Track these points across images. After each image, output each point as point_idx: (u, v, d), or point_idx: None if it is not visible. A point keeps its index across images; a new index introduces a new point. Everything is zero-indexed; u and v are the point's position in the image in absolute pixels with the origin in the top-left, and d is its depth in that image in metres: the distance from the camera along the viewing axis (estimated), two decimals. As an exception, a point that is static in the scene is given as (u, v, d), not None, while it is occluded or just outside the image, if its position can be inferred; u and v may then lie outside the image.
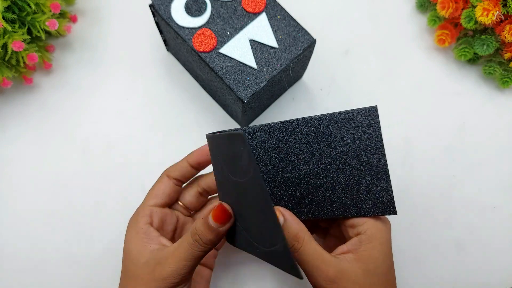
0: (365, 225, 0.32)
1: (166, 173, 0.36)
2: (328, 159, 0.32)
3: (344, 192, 0.32)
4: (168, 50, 0.50)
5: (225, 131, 0.34)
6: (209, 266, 0.39)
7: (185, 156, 0.37)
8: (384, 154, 0.31)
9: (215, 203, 0.32)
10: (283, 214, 0.31)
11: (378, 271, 0.31)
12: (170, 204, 0.37)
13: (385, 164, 0.31)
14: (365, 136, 0.32)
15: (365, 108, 0.32)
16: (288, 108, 0.49)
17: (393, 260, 0.33)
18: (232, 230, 0.33)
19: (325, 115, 0.32)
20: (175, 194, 0.37)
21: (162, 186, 0.36)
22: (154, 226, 0.35)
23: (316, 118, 0.32)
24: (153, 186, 0.36)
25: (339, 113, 0.32)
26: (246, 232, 0.31)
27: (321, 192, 0.32)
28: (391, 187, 0.32)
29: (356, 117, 0.32)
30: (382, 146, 0.31)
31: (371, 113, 0.32)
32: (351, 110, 0.32)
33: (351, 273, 0.30)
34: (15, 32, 0.42)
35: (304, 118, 0.32)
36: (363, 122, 0.32)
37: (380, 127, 0.31)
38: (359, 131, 0.32)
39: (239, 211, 0.31)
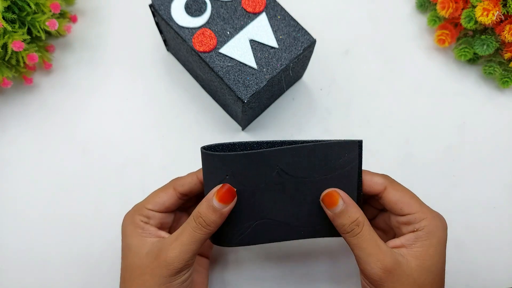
0: (423, 222, 0.32)
1: (174, 185, 0.36)
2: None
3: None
4: (168, 50, 0.50)
5: (218, 146, 0.34)
6: (206, 255, 0.40)
7: (196, 171, 0.36)
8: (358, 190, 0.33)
9: (218, 186, 0.32)
10: (343, 198, 0.32)
11: (432, 269, 0.31)
12: (169, 212, 0.37)
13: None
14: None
15: (350, 141, 0.33)
16: (288, 108, 0.49)
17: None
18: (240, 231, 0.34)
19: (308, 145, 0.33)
20: (176, 206, 0.37)
21: (166, 197, 0.35)
22: (157, 227, 0.35)
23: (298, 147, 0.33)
24: (157, 192, 0.36)
25: (322, 144, 0.33)
26: (286, 223, 0.34)
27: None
28: None
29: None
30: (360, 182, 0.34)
31: (354, 147, 0.33)
32: (335, 141, 0.33)
33: (406, 267, 0.30)
34: (15, 32, 0.42)
35: (284, 148, 0.33)
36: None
37: (361, 162, 0.33)
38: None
39: (272, 210, 0.34)
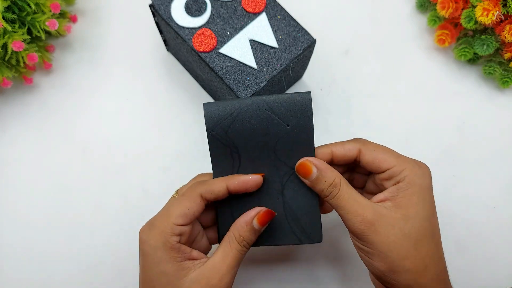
0: (402, 173, 0.32)
1: (201, 193, 0.32)
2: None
3: None
4: (168, 50, 0.50)
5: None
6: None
7: (224, 179, 0.33)
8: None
9: (256, 209, 0.33)
10: (316, 165, 0.33)
11: (419, 216, 0.31)
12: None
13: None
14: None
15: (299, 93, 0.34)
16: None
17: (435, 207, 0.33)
18: None
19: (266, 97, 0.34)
20: (200, 213, 0.34)
21: (195, 207, 0.32)
22: (183, 243, 0.32)
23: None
24: (181, 201, 0.32)
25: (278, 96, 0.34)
26: (296, 221, 0.35)
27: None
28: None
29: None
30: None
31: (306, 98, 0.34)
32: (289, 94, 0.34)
33: (390, 217, 0.31)
34: (15, 32, 0.42)
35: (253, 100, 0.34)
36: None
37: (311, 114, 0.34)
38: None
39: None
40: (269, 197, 0.35)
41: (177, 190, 0.36)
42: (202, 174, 0.37)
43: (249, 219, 0.32)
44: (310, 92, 0.33)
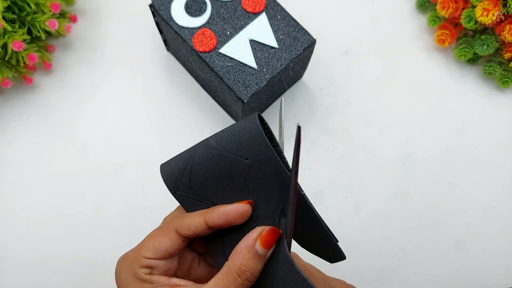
0: None
1: (176, 228, 0.28)
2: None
3: None
4: (168, 50, 0.50)
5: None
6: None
7: (202, 212, 0.28)
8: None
9: (257, 229, 0.27)
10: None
11: None
12: (173, 257, 0.30)
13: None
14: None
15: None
16: (288, 108, 0.49)
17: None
18: None
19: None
20: (181, 249, 0.29)
21: (168, 243, 0.28)
22: (163, 274, 0.29)
23: None
24: (155, 235, 0.29)
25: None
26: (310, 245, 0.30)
27: None
28: None
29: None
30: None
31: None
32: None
33: None
34: (15, 32, 0.42)
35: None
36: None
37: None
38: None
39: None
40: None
41: (165, 218, 0.32)
42: (171, 213, 0.32)
43: (251, 243, 0.26)
44: (256, 114, 0.27)
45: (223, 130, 0.28)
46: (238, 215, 0.27)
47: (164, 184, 0.30)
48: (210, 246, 0.29)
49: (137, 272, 0.28)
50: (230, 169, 0.28)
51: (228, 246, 0.28)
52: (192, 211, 0.29)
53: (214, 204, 0.29)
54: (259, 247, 0.26)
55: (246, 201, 0.28)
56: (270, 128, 0.28)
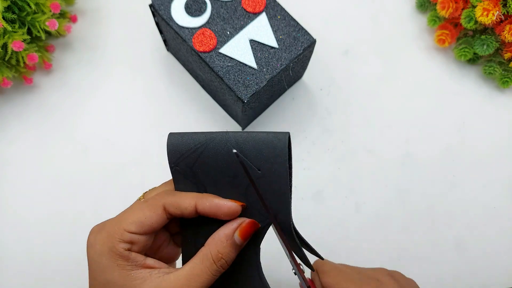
0: None
1: (165, 205, 0.28)
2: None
3: None
4: (168, 50, 0.50)
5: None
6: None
7: (195, 196, 0.28)
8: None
9: (238, 220, 0.27)
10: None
11: None
12: (154, 233, 0.29)
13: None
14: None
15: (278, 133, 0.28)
16: (288, 108, 0.49)
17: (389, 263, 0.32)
18: None
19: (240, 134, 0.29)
20: (162, 226, 0.29)
21: (154, 218, 0.27)
22: (136, 251, 0.28)
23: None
24: (141, 208, 0.28)
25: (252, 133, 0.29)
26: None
27: None
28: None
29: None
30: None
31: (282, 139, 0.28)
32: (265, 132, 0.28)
33: None
34: (15, 32, 0.42)
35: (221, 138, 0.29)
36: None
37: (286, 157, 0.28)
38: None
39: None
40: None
41: (145, 192, 0.31)
42: (156, 187, 0.32)
43: (230, 232, 0.27)
44: (288, 133, 0.27)
45: (248, 132, 0.28)
46: (229, 212, 0.27)
47: (166, 153, 0.29)
48: (185, 229, 0.29)
49: (115, 245, 0.26)
50: (238, 170, 0.28)
51: (202, 233, 0.28)
52: (181, 190, 0.29)
53: (206, 191, 0.29)
54: (237, 237, 0.27)
55: (240, 203, 0.28)
56: (291, 149, 0.28)
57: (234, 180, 0.28)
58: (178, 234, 0.32)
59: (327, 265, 0.31)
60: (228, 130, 0.28)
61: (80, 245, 0.45)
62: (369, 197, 0.46)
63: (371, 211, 0.46)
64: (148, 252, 0.29)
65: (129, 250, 0.27)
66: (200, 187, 0.29)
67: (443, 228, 0.45)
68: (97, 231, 0.28)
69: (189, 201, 0.27)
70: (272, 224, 0.28)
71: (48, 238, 0.45)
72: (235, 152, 0.27)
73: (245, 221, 0.27)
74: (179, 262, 0.32)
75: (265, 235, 0.29)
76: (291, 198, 0.28)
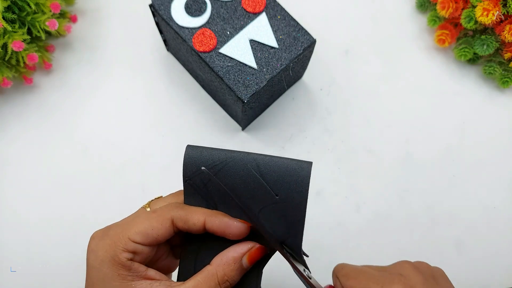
0: None
1: (173, 218, 0.27)
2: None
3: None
4: (168, 50, 0.50)
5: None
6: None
7: (205, 212, 0.28)
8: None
9: (248, 244, 0.27)
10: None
11: None
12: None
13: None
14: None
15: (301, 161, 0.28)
16: (288, 108, 0.49)
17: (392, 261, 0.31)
18: None
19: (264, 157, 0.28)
20: (166, 239, 0.28)
21: (161, 231, 0.27)
22: (138, 262, 0.27)
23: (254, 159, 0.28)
24: (148, 218, 0.27)
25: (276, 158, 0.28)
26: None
27: None
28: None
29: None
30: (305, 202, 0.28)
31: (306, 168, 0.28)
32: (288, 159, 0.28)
33: None
34: (15, 32, 0.42)
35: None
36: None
37: (308, 185, 0.28)
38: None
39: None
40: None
41: (150, 201, 0.30)
42: (174, 193, 0.31)
43: (239, 256, 0.26)
44: (311, 163, 0.27)
45: (271, 156, 0.28)
46: (237, 232, 0.27)
47: (182, 166, 0.29)
48: (187, 243, 0.29)
49: (118, 254, 0.26)
50: (254, 192, 0.28)
51: (204, 250, 0.29)
52: (190, 204, 0.29)
53: (216, 208, 0.29)
54: (245, 261, 0.27)
55: (249, 224, 0.27)
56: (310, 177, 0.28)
57: (248, 202, 0.28)
58: (178, 247, 0.32)
59: (346, 268, 0.30)
60: (249, 152, 0.28)
61: (80, 245, 0.45)
62: (369, 197, 0.46)
63: (371, 211, 0.46)
64: (148, 263, 0.29)
65: (131, 260, 0.26)
66: (211, 204, 0.29)
67: (443, 228, 0.45)
68: (100, 237, 0.27)
69: (198, 217, 0.27)
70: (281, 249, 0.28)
71: (48, 237, 0.45)
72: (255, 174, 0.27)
73: (255, 246, 0.27)
74: (174, 274, 0.31)
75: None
76: (304, 225, 0.28)
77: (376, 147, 0.47)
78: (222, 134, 0.48)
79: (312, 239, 0.45)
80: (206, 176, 0.28)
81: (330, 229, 0.45)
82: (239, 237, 0.27)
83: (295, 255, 0.29)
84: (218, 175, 0.28)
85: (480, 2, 0.43)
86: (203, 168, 0.28)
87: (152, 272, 0.27)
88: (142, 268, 0.27)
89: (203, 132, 0.48)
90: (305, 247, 0.45)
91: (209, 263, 0.27)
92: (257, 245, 0.27)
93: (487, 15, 0.42)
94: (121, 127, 0.48)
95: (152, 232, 0.27)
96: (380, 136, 0.48)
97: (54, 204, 0.46)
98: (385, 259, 0.45)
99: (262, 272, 0.29)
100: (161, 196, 0.31)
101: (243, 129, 0.48)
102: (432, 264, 0.44)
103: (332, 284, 0.30)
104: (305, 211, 0.27)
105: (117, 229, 0.27)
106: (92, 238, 0.28)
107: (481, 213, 0.46)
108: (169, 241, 0.31)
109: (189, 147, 0.29)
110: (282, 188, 0.27)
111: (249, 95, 0.39)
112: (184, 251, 0.29)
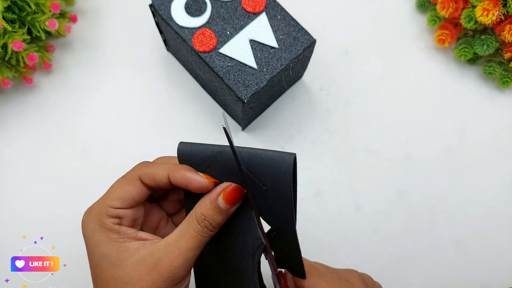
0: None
1: (140, 176, 0.29)
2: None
3: None
4: (168, 50, 0.50)
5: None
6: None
7: (168, 167, 0.29)
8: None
9: (223, 185, 0.28)
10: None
11: None
12: (139, 205, 0.31)
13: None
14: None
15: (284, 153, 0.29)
16: (288, 108, 0.49)
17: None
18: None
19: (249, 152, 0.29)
20: (146, 197, 0.31)
21: (134, 191, 0.29)
22: (131, 226, 0.30)
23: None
24: (121, 184, 0.30)
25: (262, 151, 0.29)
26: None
27: None
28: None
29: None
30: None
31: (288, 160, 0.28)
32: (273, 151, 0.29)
33: None
34: (15, 32, 0.42)
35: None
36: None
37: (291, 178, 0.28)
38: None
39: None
40: (242, 256, 0.30)
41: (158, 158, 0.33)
42: (165, 157, 0.33)
43: (214, 196, 0.28)
44: (294, 154, 0.28)
45: (257, 149, 0.29)
46: (199, 186, 0.28)
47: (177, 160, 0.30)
48: (189, 205, 0.30)
49: (104, 221, 0.28)
50: (243, 184, 0.29)
51: None
52: (188, 193, 0.30)
53: None
54: (221, 201, 0.28)
55: (213, 180, 0.29)
56: (296, 169, 0.29)
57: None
58: (177, 215, 0.34)
59: (305, 264, 0.32)
60: (238, 145, 0.29)
61: (80, 245, 0.45)
62: (369, 197, 0.46)
63: (371, 211, 0.46)
64: (146, 230, 0.31)
65: (119, 224, 0.29)
66: None
67: (443, 228, 0.45)
68: (87, 213, 0.30)
69: (162, 173, 0.29)
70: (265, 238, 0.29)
71: (48, 238, 0.45)
72: (241, 166, 0.28)
73: (229, 186, 0.28)
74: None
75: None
76: (296, 212, 0.29)
77: (376, 147, 0.47)
78: (222, 134, 0.48)
79: (312, 239, 0.45)
80: (199, 170, 0.30)
81: (330, 229, 0.45)
82: (202, 191, 0.28)
83: (289, 243, 0.30)
84: (209, 169, 0.30)
85: (480, 2, 0.43)
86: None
87: (143, 234, 0.29)
88: (131, 230, 0.29)
89: (203, 132, 0.48)
90: (305, 247, 0.45)
91: None
92: (232, 185, 0.28)
93: (487, 15, 0.42)
94: (121, 127, 0.48)
95: (127, 195, 0.29)
96: (380, 136, 0.48)
97: (54, 204, 0.46)
98: (385, 259, 0.45)
99: (260, 266, 0.30)
100: (167, 156, 0.33)
101: (243, 129, 0.48)
102: (432, 264, 0.44)
103: (284, 272, 0.32)
104: (292, 200, 0.28)
105: (99, 202, 0.30)
106: (83, 216, 0.30)
107: (481, 213, 0.46)
108: (163, 208, 0.33)
109: (181, 144, 0.30)
110: (268, 179, 0.29)
111: (249, 95, 0.39)
112: (187, 212, 0.31)
